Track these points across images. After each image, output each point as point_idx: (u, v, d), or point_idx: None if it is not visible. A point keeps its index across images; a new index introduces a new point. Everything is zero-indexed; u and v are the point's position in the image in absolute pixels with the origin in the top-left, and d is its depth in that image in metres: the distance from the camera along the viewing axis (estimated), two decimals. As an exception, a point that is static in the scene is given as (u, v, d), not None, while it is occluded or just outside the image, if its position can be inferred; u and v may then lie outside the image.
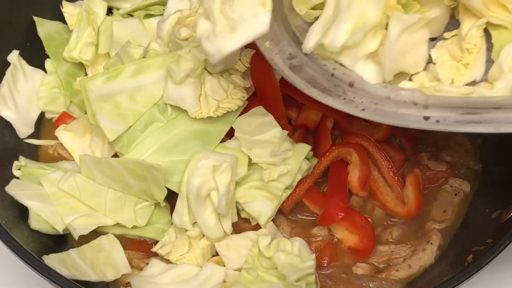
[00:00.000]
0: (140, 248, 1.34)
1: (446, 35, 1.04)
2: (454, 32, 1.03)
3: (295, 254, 1.19)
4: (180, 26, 1.28)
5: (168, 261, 1.27)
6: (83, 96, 1.26)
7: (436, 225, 1.36)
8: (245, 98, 1.30)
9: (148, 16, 1.51)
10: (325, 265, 1.31)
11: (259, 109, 1.33)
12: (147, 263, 1.28)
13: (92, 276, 1.24)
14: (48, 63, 1.53)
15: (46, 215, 1.28)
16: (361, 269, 1.31)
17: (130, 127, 1.27)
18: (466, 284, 1.10)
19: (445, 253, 1.34)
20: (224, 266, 1.25)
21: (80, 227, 1.26)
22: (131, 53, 1.34)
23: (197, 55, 1.23)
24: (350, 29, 0.95)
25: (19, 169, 1.37)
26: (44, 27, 1.53)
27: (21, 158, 1.40)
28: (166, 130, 1.28)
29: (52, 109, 1.50)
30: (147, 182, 1.25)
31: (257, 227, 1.30)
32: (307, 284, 1.15)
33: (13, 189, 1.30)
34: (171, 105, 1.28)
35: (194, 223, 1.25)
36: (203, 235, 1.27)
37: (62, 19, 1.57)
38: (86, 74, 1.53)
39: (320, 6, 1.01)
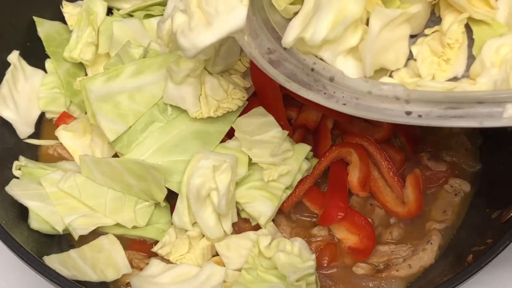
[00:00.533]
0: (140, 248, 1.34)
1: (427, 31, 1.03)
2: (435, 28, 1.03)
3: (295, 254, 1.19)
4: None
5: (168, 261, 1.27)
6: (83, 96, 1.26)
7: (436, 225, 1.36)
8: (245, 98, 1.30)
9: (148, 16, 1.51)
10: (325, 265, 1.31)
11: (259, 109, 1.33)
12: (147, 263, 1.28)
13: (92, 277, 1.24)
14: (48, 63, 1.53)
15: (46, 215, 1.28)
16: (361, 269, 1.31)
17: (130, 127, 1.27)
18: (466, 284, 1.10)
19: (445, 253, 1.34)
20: (224, 266, 1.25)
21: (80, 227, 1.26)
22: (131, 53, 1.34)
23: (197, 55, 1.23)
24: (330, 23, 0.95)
25: (19, 169, 1.37)
26: (44, 27, 1.53)
27: (21, 158, 1.40)
28: (166, 130, 1.28)
29: (53, 109, 1.49)
30: (147, 182, 1.25)
31: (257, 227, 1.30)
32: (307, 284, 1.15)
33: (13, 189, 1.30)
34: (171, 105, 1.28)
35: (194, 223, 1.26)
36: (203, 235, 1.27)
37: (62, 19, 1.57)
38: (86, 74, 1.53)
39: (299, 1, 1.00)
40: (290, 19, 0.99)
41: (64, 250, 1.28)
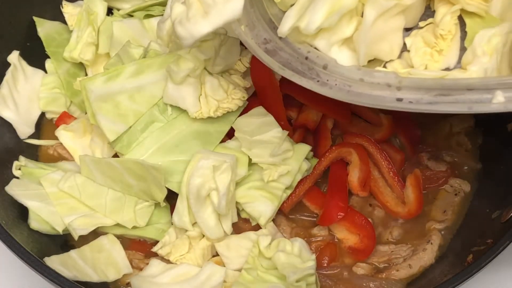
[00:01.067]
0: (140, 248, 1.34)
1: (421, 24, 1.05)
2: (429, 20, 1.04)
3: (295, 255, 1.19)
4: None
5: (168, 261, 1.27)
6: (83, 96, 1.26)
7: (436, 225, 1.36)
8: (245, 98, 1.30)
9: (148, 16, 1.51)
10: (325, 265, 1.31)
11: (259, 109, 1.33)
12: (147, 263, 1.28)
13: (93, 277, 1.24)
14: (48, 63, 1.53)
15: (46, 215, 1.28)
16: (361, 269, 1.31)
17: (130, 127, 1.28)
18: (466, 284, 1.10)
19: (445, 253, 1.34)
20: (224, 266, 1.25)
21: (79, 228, 1.26)
22: (131, 53, 1.34)
23: (197, 55, 1.23)
24: (325, 13, 0.96)
25: (19, 169, 1.37)
26: (44, 27, 1.53)
27: (21, 158, 1.40)
28: (166, 130, 1.28)
29: (53, 109, 1.50)
30: (147, 182, 1.25)
31: (257, 227, 1.30)
32: (307, 284, 1.15)
33: (13, 189, 1.30)
34: (171, 105, 1.28)
35: (194, 223, 1.26)
36: (203, 235, 1.27)
37: (62, 19, 1.57)
38: (86, 74, 1.53)
39: None
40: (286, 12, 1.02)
41: (64, 250, 1.28)
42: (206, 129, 1.29)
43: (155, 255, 1.30)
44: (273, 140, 1.29)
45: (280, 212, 1.34)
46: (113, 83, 1.26)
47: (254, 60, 1.36)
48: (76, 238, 1.25)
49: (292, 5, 1.02)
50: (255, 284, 1.20)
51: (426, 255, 1.31)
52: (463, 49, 0.99)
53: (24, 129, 1.47)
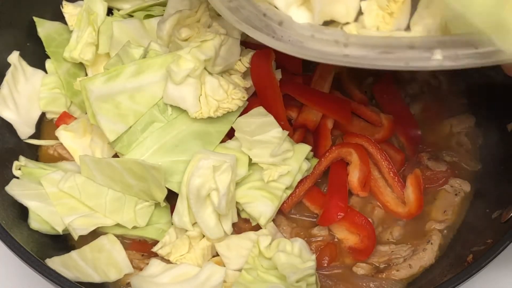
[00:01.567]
0: (140, 248, 1.34)
1: None
2: None
3: (295, 255, 1.19)
4: (180, 27, 1.28)
5: (168, 261, 1.27)
6: (83, 96, 1.26)
7: (436, 225, 1.36)
8: (245, 99, 1.30)
9: (148, 16, 1.51)
10: (325, 265, 1.31)
11: (260, 109, 1.33)
12: (147, 263, 1.28)
13: (95, 277, 1.24)
14: (48, 64, 1.53)
15: (45, 215, 1.28)
16: (361, 269, 1.31)
17: (130, 127, 1.27)
18: (466, 284, 1.10)
19: (445, 253, 1.34)
20: (224, 266, 1.25)
21: (79, 228, 1.26)
22: (131, 53, 1.34)
23: (197, 55, 1.23)
24: None
25: (19, 169, 1.37)
26: (44, 28, 1.53)
27: (21, 158, 1.40)
28: (166, 130, 1.28)
29: (53, 109, 1.49)
30: (147, 183, 1.25)
31: (257, 227, 1.30)
32: (307, 284, 1.15)
33: (13, 189, 1.30)
34: (171, 105, 1.28)
35: (194, 223, 1.25)
36: (203, 236, 1.27)
37: (62, 19, 1.57)
38: (86, 74, 1.53)
39: None
40: None
41: (64, 250, 1.28)
42: (206, 129, 1.29)
43: (155, 255, 1.30)
44: (273, 140, 1.29)
45: (280, 212, 1.34)
46: (113, 83, 1.26)
47: (254, 60, 1.36)
48: (76, 238, 1.25)
49: None
50: (255, 284, 1.20)
51: (426, 255, 1.31)
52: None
53: (25, 129, 1.47)
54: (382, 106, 1.50)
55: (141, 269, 1.29)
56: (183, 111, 1.27)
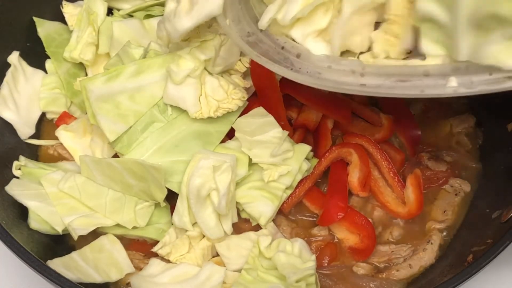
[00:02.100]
0: (140, 248, 1.34)
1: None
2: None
3: (295, 255, 1.19)
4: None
5: (168, 261, 1.27)
6: (83, 96, 1.26)
7: (436, 225, 1.36)
8: (245, 99, 1.30)
9: (148, 16, 1.51)
10: (326, 264, 1.31)
11: (260, 109, 1.33)
12: (147, 263, 1.28)
13: (96, 278, 1.24)
14: (48, 64, 1.53)
15: (45, 215, 1.28)
16: (361, 269, 1.31)
17: (131, 127, 1.27)
18: (466, 284, 1.10)
19: (445, 253, 1.34)
20: (224, 266, 1.25)
21: (79, 228, 1.26)
22: (131, 53, 1.34)
23: (197, 55, 1.23)
24: (301, 5, 1.04)
25: (19, 169, 1.37)
26: (44, 28, 1.53)
27: (21, 157, 1.40)
28: (166, 131, 1.28)
29: (53, 109, 1.49)
30: (147, 183, 1.25)
31: (257, 227, 1.30)
32: (307, 284, 1.15)
33: (13, 188, 1.30)
34: (171, 106, 1.28)
35: (194, 223, 1.25)
36: (203, 236, 1.27)
37: (62, 19, 1.57)
38: (86, 74, 1.53)
39: None
40: None
41: (65, 250, 1.28)
42: (206, 129, 1.29)
43: (155, 255, 1.30)
44: (273, 140, 1.29)
45: (280, 212, 1.34)
46: (113, 83, 1.26)
47: (255, 61, 1.36)
48: (75, 238, 1.25)
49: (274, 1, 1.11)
50: (255, 284, 1.20)
51: (426, 255, 1.31)
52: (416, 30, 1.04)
53: (25, 129, 1.47)
54: (382, 106, 1.50)
55: (141, 269, 1.29)
56: (183, 111, 1.27)
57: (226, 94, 1.28)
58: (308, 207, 1.38)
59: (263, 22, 1.10)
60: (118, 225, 1.29)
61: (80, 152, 1.38)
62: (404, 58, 1.03)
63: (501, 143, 1.42)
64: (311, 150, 1.35)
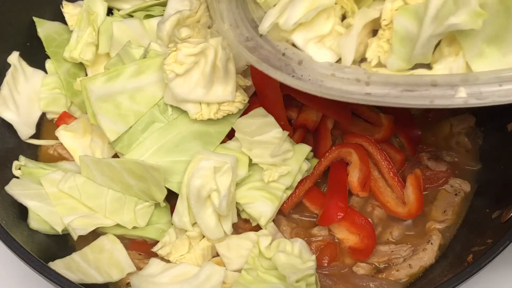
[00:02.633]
0: (140, 249, 1.34)
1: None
2: None
3: (295, 255, 1.19)
4: (180, 27, 1.28)
5: (168, 261, 1.27)
6: (84, 96, 1.26)
7: (436, 225, 1.36)
8: (246, 101, 1.30)
9: (148, 16, 1.51)
10: (326, 264, 1.31)
11: (260, 110, 1.33)
12: (147, 263, 1.28)
13: (98, 278, 1.24)
14: (48, 64, 1.53)
15: (45, 215, 1.28)
16: (361, 269, 1.31)
17: (131, 127, 1.27)
18: (466, 284, 1.10)
19: (445, 253, 1.34)
20: (225, 267, 1.25)
21: (79, 228, 1.25)
22: (131, 53, 1.34)
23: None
24: (304, 10, 1.03)
25: (19, 168, 1.37)
26: (44, 28, 1.53)
27: (21, 157, 1.40)
28: (166, 131, 1.28)
29: (54, 109, 1.49)
30: (147, 183, 1.25)
31: (257, 227, 1.30)
32: (307, 285, 1.15)
33: (13, 188, 1.30)
34: (171, 106, 1.28)
35: (194, 224, 1.25)
36: (203, 236, 1.27)
37: (62, 19, 1.57)
38: (86, 75, 1.53)
39: None
40: None
41: (65, 250, 1.28)
42: (207, 130, 1.29)
43: (155, 255, 1.29)
44: (273, 141, 1.29)
45: (280, 212, 1.34)
46: (113, 83, 1.26)
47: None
48: (75, 238, 1.25)
49: (274, 5, 1.10)
50: (255, 285, 1.20)
51: (426, 255, 1.31)
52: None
53: (25, 130, 1.47)
54: (382, 106, 1.50)
55: (141, 269, 1.28)
56: (183, 111, 1.27)
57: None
58: (308, 207, 1.38)
59: (264, 27, 1.08)
60: (118, 225, 1.29)
61: (80, 152, 1.38)
62: (409, 69, 1.00)
63: (501, 143, 1.42)
64: (311, 150, 1.35)
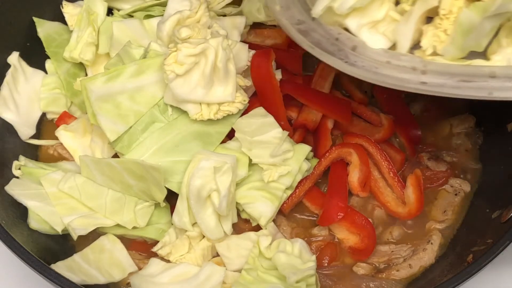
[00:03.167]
0: (140, 249, 1.34)
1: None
2: None
3: (295, 255, 1.19)
4: (180, 27, 1.28)
5: (168, 261, 1.27)
6: (84, 96, 1.26)
7: (436, 225, 1.36)
8: (246, 102, 1.30)
9: (148, 16, 1.51)
10: (326, 265, 1.31)
11: (260, 110, 1.33)
12: (147, 263, 1.28)
13: (100, 279, 1.24)
14: (48, 64, 1.53)
15: (45, 215, 1.28)
16: (361, 269, 1.31)
17: (131, 127, 1.27)
18: (466, 284, 1.10)
19: (446, 253, 1.34)
20: (225, 267, 1.25)
21: (79, 228, 1.25)
22: (131, 53, 1.34)
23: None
24: None
25: (19, 168, 1.37)
26: (44, 28, 1.53)
27: (21, 157, 1.40)
28: (166, 131, 1.28)
29: (54, 109, 1.49)
30: (146, 183, 1.25)
31: (257, 227, 1.30)
32: (307, 285, 1.15)
33: (13, 188, 1.30)
34: (171, 106, 1.28)
35: (194, 224, 1.25)
36: (203, 236, 1.27)
37: (62, 19, 1.57)
38: (86, 75, 1.53)
39: None
40: None
41: (65, 250, 1.28)
42: (207, 130, 1.29)
43: (155, 255, 1.29)
44: (273, 141, 1.29)
45: (280, 212, 1.34)
46: (113, 83, 1.26)
47: (255, 60, 1.36)
48: (75, 238, 1.25)
49: None
50: (255, 285, 1.19)
51: (426, 255, 1.31)
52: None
53: (25, 130, 1.47)
54: (382, 106, 1.50)
55: (141, 269, 1.28)
56: (183, 111, 1.27)
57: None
58: (308, 207, 1.38)
59: (317, 10, 1.06)
60: (118, 225, 1.29)
61: (80, 152, 1.38)
62: (463, 58, 1.00)
63: (501, 143, 1.42)
64: (311, 150, 1.35)
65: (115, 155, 1.33)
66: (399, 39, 1.03)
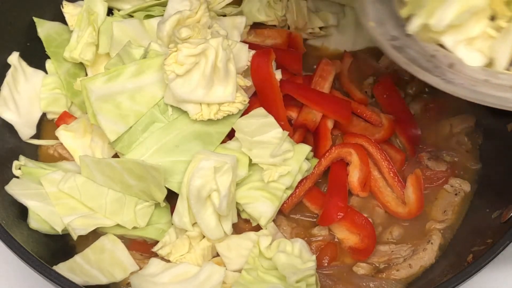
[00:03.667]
0: (140, 248, 1.34)
1: None
2: None
3: (295, 255, 1.19)
4: (181, 27, 1.28)
5: (168, 261, 1.27)
6: (84, 96, 1.26)
7: (436, 225, 1.36)
8: (246, 102, 1.30)
9: (149, 16, 1.51)
10: (326, 264, 1.31)
11: (260, 110, 1.33)
12: (148, 263, 1.28)
13: (102, 279, 1.24)
14: (48, 64, 1.53)
15: (45, 215, 1.28)
16: (361, 269, 1.31)
17: (131, 127, 1.27)
18: (466, 284, 1.10)
19: (445, 253, 1.34)
20: (225, 267, 1.25)
21: (79, 228, 1.25)
22: (131, 53, 1.34)
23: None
24: (457, 10, 0.99)
25: (19, 168, 1.37)
26: (44, 28, 1.53)
27: (21, 157, 1.40)
28: (166, 131, 1.28)
29: (54, 109, 1.49)
30: (147, 183, 1.25)
31: (257, 227, 1.30)
32: (307, 285, 1.15)
33: (13, 188, 1.29)
34: (172, 106, 1.28)
35: (194, 224, 1.25)
36: (204, 236, 1.27)
37: (62, 19, 1.57)
38: (86, 75, 1.53)
39: None
40: None
41: (65, 250, 1.28)
42: (207, 130, 1.29)
43: (155, 255, 1.29)
44: (273, 141, 1.29)
45: (281, 212, 1.34)
46: (113, 83, 1.26)
47: (255, 60, 1.36)
48: (75, 238, 1.25)
49: (422, 4, 1.06)
50: (255, 285, 1.20)
51: (427, 255, 1.31)
52: None
53: (25, 130, 1.47)
54: (382, 106, 1.50)
55: (141, 269, 1.28)
56: (183, 111, 1.27)
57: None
58: (308, 207, 1.38)
59: (413, 27, 1.04)
60: (118, 225, 1.29)
61: (80, 152, 1.38)
62: None
63: (501, 143, 1.42)
64: (311, 150, 1.35)
65: (115, 155, 1.33)
66: (496, 57, 1.01)
